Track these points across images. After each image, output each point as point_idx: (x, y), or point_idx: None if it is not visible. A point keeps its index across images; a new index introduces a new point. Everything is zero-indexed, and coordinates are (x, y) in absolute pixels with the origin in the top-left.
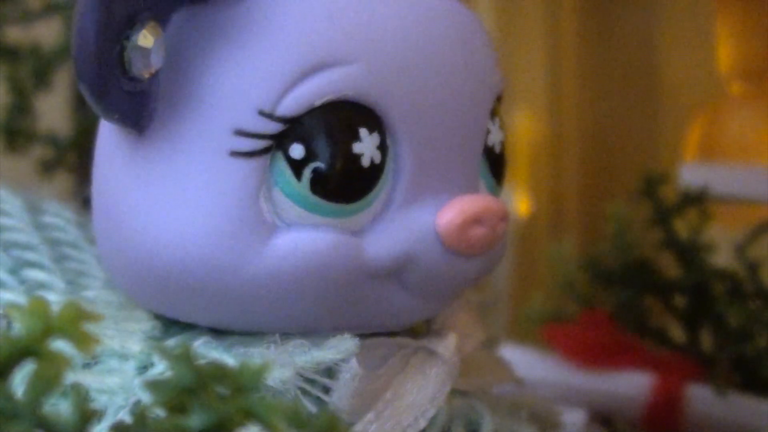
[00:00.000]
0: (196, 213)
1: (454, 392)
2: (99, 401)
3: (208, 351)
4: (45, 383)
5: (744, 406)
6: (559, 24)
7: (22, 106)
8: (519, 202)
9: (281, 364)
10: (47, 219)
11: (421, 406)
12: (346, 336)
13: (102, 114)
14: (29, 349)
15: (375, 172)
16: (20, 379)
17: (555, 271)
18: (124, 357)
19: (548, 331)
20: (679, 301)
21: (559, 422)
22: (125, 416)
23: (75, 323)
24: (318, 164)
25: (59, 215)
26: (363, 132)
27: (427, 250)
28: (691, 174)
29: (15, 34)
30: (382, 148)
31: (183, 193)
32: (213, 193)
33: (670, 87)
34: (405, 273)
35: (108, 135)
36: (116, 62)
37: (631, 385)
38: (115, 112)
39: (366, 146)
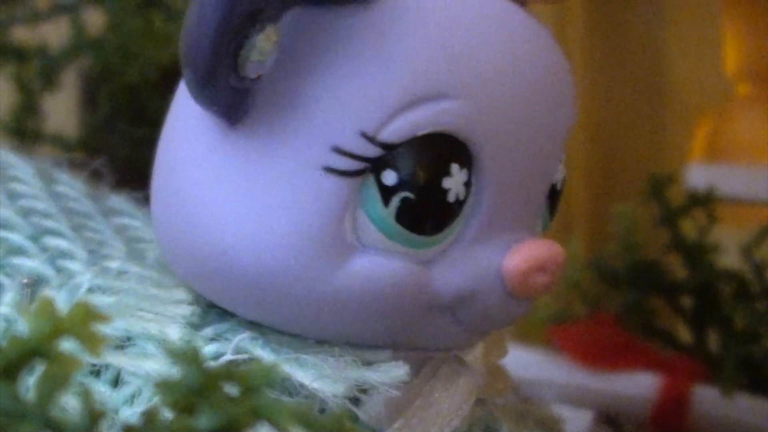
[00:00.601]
0: (280, 222)
1: (475, 401)
2: (131, 384)
3: (253, 348)
4: (54, 384)
5: (750, 406)
6: (565, 26)
7: (29, 106)
8: None
9: (335, 380)
10: (61, 188)
11: (448, 415)
12: (399, 363)
13: (202, 104)
14: (38, 350)
15: (457, 208)
16: (30, 380)
17: (562, 272)
18: (161, 342)
19: (555, 332)
20: (686, 301)
21: (563, 429)
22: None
23: (84, 323)
24: (407, 194)
25: (72, 186)
26: (454, 168)
27: (488, 291)
28: (697, 175)
29: (22, 35)
30: (467, 184)
31: (269, 198)
32: (300, 205)
33: (676, 88)
34: (461, 308)
35: (191, 116)
36: (231, 59)
37: (637, 385)
38: (215, 104)
39: (455, 182)
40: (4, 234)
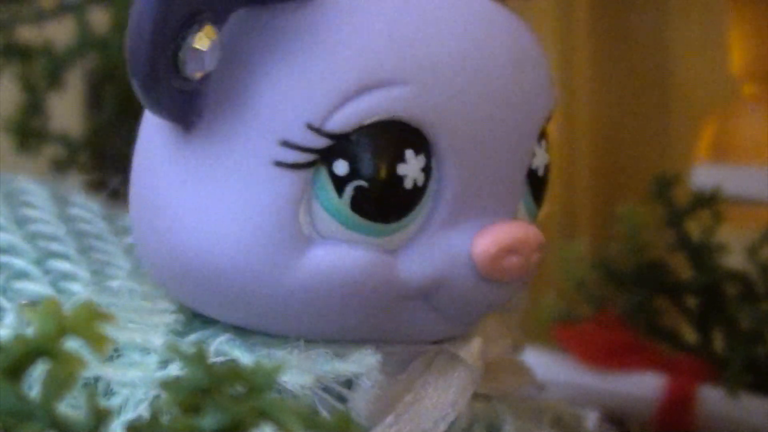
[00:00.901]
0: (235, 219)
1: (477, 396)
2: (120, 394)
3: (230, 349)
4: (59, 383)
5: (756, 407)
6: (571, 26)
7: (34, 105)
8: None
9: (302, 370)
10: (74, 211)
11: (442, 410)
12: (369, 351)
13: (150, 109)
14: (43, 350)
15: (417, 194)
16: (36, 380)
17: (567, 272)
18: (145, 350)
19: (560, 332)
20: (691, 302)
21: (584, 427)
22: (145, 411)
23: (89, 323)
24: (360, 183)
25: (86, 207)
26: (409, 154)
27: (459, 276)
28: (703, 175)
29: (28, 34)
30: (426, 170)
31: (224, 197)
32: (254, 200)
33: (682, 88)
34: (435, 295)
35: (154, 129)
36: (170, 61)
37: (642, 386)
38: (163, 108)
39: (410, 168)
40: (9, 259)
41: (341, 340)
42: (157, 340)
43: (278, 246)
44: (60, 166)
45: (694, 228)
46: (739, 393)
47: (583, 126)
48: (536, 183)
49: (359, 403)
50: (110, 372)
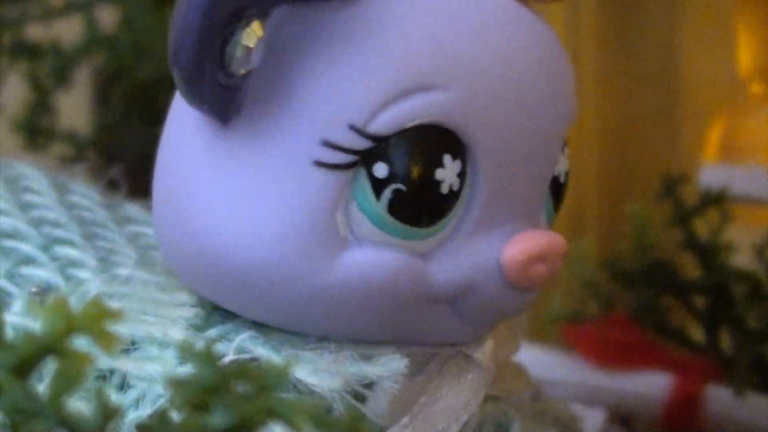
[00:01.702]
0: (273, 217)
1: (486, 397)
2: (137, 388)
3: (254, 346)
4: (67, 381)
5: (763, 406)
6: (579, 25)
7: (42, 103)
8: None
9: (331, 373)
10: (74, 198)
11: (456, 411)
12: (396, 355)
13: (191, 102)
14: (51, 348)
15: (452, 199)
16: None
17: (575, 271)
18: (164, 345)
19: (568, 331)
20: (699, 301)
21: (581, 428)
22: (164, 406)
23: (98, 321)
24: (399, 186)
25: (85, 195)
26: (447, 159)
27: (487, 282)
28: (711, 175)
29: (36, 32)
30: (461, 175)
31: (262, 194)
32: (292, 199)
33: (690, 88)
34: (461, 300)
35: (187, 118)
36: (217, 56)
37: (650, 385)
38: (205, 102)
39: (448, 173)
40: (15, 244)
41: (361, 341)
42: (177, 334)
43: (314, 246)
44: (68, 164)
45: (701, 227)
46: (746, 392)
47: (591, 125)
48: (557, 189)
49: (379, 404)
50: (128, 365)
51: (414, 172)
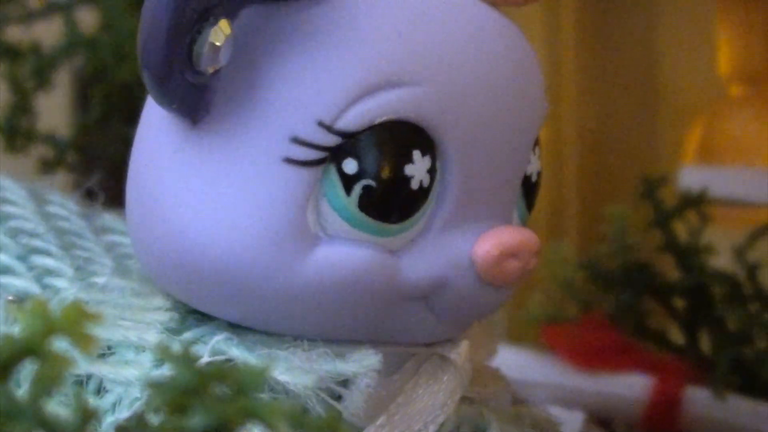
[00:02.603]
0: (244, 214)
1: (462, 398)
2: (113, 392)
3: (228, 348)
4: (46, 383)
5: (743, 408)
6: (558, 26)
7: (22, 105)
8: None
9: (305, 371)
10: (51, 209)
11: (432, 412)
12: (370, 351)
13: (160, 102)
14: (30, 349)
15: (422, 195)
16: (23, 379)
17: (554, 273)
18: (140, 348)
19: (547, 333)
20: (679, 303)
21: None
22: (140, 409)
23: (77, 323)
24: (369, 182)
25: (63, 206)
26: (416, 154)
27: (460, 278)
28: (690, 176)
29: (16, 34)
30: (432, 171)
31: (231, 192)
32: (262, 196)
33: (669, 89)
34: (435, 297)
35: (157, 120)
36: (185, 54)
37: (630, 387)
38: (174, 101)
39: (417, 169)
40: None
41: (337, 340)
42: (152, 338)
43: (285, 243)
44: (48, 166)
45: (681, 229)
46: (726, 394)
47: (571, 127)
48: (529, 189)
49: (355, 402)
50: (104, 370)
51: (383, 168)
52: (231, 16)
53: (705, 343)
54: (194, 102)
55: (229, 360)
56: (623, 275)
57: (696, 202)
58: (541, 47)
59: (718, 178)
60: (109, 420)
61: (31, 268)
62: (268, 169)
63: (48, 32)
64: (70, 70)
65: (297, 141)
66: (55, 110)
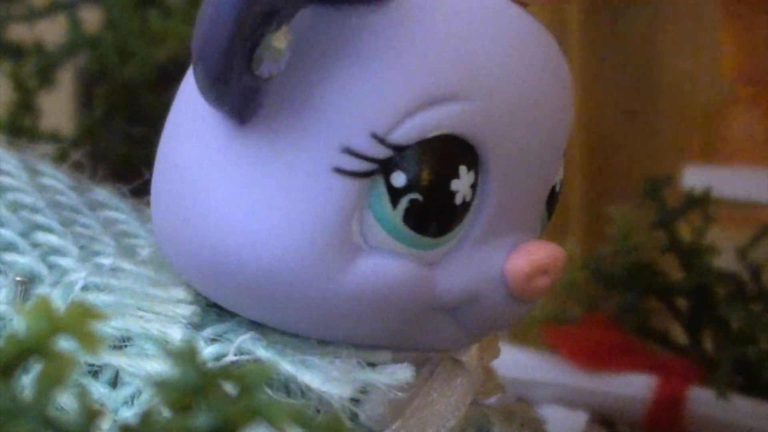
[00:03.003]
0: (288, 221)
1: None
2: (131, 385)
3: (256, 348)
4: (51, 382)
5: (746, 408)
6: (563, 27)
7: (25, 104)
8: None
9: (343, 382)
10: (47, 181)
11: (445, 416)
12: (405, 364)
13: (212, 102)
14: (35, 348)
15: (464, 210)
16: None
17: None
18: (162, 342)
19: (550, 333)
20: (682, 303)
21: (545, 430)
22: (150, 406)
23: (82, 322)
24: (415, 196)
25: (56, 177)
26: (462, 170)
27: (491, 292)
28: (694, 177)
29: (19, 32)
30: (473, 186)
31: (277, 197)
32: (308, 205)
33: (673, 90)
34: (463, 309)
35: (197, 114)
36: (246, 57)
37: (633, 387)
38: (227, 103)
39: (462, 184)
40: None
41: (359, 344)
42: (177, 333)
43: (328, 252)
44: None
45: (684, 229)
46: (729, 394)
47: (575, 127)
48: (552, 197)
49: (374, 408)
50: (122, 361)
51: (431, 183)
52: (291, 17)
53: (708, 343)
54: (247, 105)
55: (254, 360)
56: (626, 275)
57: (699, 202)
58: None
59: (721, 179)
60: (126, 414)
61: (34, 245)
62: (317, 178)
63: (51, 31)
64: (74, 69)
65: (349, 151)
66: (58, 109)
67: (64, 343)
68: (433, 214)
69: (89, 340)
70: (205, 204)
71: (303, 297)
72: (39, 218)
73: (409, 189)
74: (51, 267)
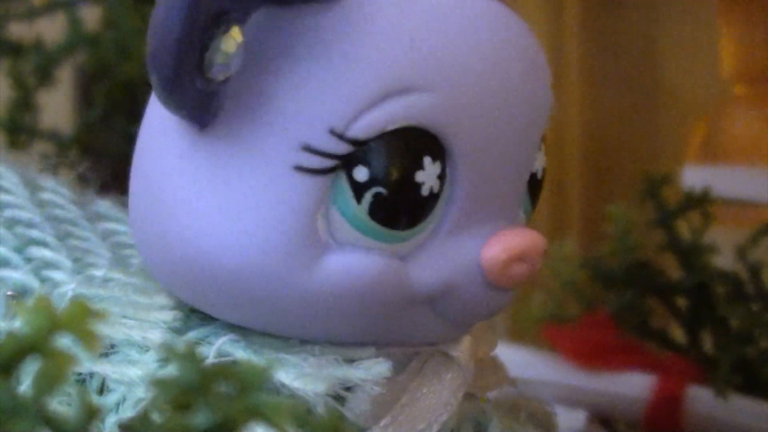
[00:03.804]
0: (253, 223)
1: (464, 395)
2: (116, 392)
3: (234, 350)
4: (50, 381)
5: (745, 408)
6: (561, 26)
7: (25, 102)
8: None
9: (316, 378)
10: (46, 196)
11: (436, 411)
12: (380, 359)
13: (169, 108)
14: (34, 347)
15: (432, 201)
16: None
17: (557, 272)
18: (144, 348)
19: (549, 332)
20: (681, 302)
21: (555, 423)
22: (137, 414)
23: (81, 320)
24: (380, 189)
25: (57, 192)
26: (427, 161)
27: (467, 282)
28: (693, 176)
29: (19, 30)
30: (441, 177)
31: (241, 199)
32: (272, 204)
33: (672, 89)
34: (441, 300)
35: (163, 122)
36: (196, 61)
37: (631, 386)
38: (183, 108)
39: (428, 175)
40: None
41: (342, 342)
42: (157, 337)
43: (295, 251)
44: (50, 163)
45: (684, 228)
46: (728, 393)
47: (574, 126)
48: (534, 185)
49: (360, 405)
50: (108, 368)
51: (394, 175)
52: (242, 21)
53: (707, 342)
54: (203, 108)
55: (234, 362)
56: (626, 274)
57: (699, 201)
58: (544, 47)
59: (720, 178)
60: (112, 420)
61: (28, 260)
62: (279, 177)
63: (51, 29)
64: (73, 67)
65: (308, 149)
66: (57, 107)
67: (64, 342)
68: (399, 207)
69: (89, 339)
70: (174, 211)
71: (275, 297)
72: (34, 233)
73: (372, 183)
74: (43, 280)
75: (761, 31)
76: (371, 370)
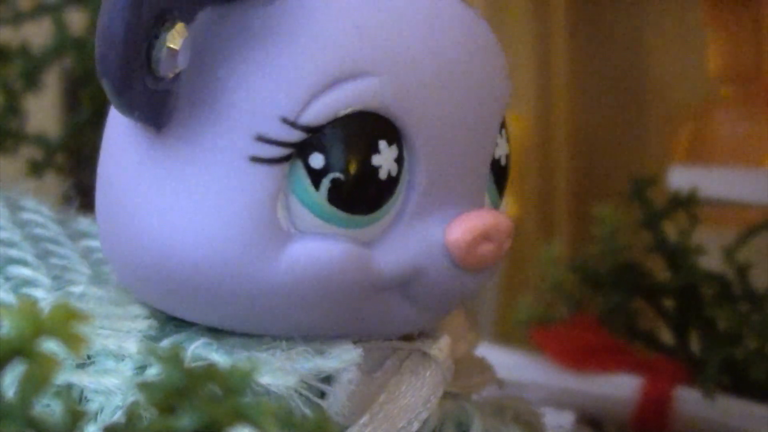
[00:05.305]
0: (213, 216)
1: (445, 394)
2: (94, 401)
3: (208, 353)
4: (35, 384)
5: (733, 409)
6: (548, 26)
7: (11, 106)
8: (508, 204)
9: (286, 371)
10: (26, 216)
11: (415, 409)
12: (350, 346)
13: (122, 111)
14: (19, 350)
15: (391, 184)
16: (11, 380)
17: (544, 274)
18: (120, 357)
19: (537, 334)
20: (668, 303)
21: (542, 424)
22: (122, 417)
23: (65, 324)
24: (337, 175)
25: (38, 211)
26: (382, 144)
27: (434, 265)
28: (679, 176)
29: (5, 35)
30: (399, 160)
31: (200, 195)
32: (231, 197)
33: (659, 89)
34: (411, 285)
35: (122, 130)
36: (143, 60)
37: (619, 387)
38: (136, 109)
39: (384, 159)
40: None
41: (318, 337)
42: (132, 346)
43: (257, 242)
44: (37, 168)
45: (670, 229)
46: (715, 394)
47: (560, 127)
48: (499, 173)
49: (339, 399)
50: (85, 379)
51: (350, 160)
52: (187, 19)
53: (695, 343)
54: (156, 109)
55: (210, 365)
56: (613, 276)
57: (685, 202)
58: (530, 48)
59: (707, 178)
60: (92, 429)
61: (7, 278)
62: (235, 170)
63: (37, 33)
64: (60, 71)
65: (262, 139)
66: (44, 111)
67: (49, 345)
68: (358, 192)
69: (74, 342)
70: (135, 215)
71: (240, 291)
72: (13, 252)
73: (328, 169)
74: (22, 298)
75: (748, 31)
76: (342, 358)
